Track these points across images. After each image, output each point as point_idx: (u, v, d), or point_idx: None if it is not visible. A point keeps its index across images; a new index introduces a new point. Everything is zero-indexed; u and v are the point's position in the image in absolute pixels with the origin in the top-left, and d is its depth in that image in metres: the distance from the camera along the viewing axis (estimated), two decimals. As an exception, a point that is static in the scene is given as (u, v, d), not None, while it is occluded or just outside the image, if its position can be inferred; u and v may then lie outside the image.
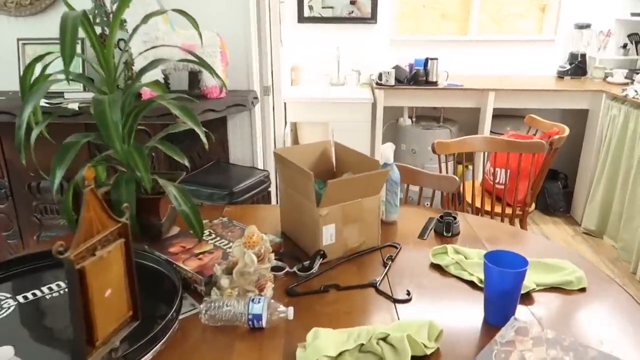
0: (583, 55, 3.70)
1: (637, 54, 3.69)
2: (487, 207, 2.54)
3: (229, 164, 2.37)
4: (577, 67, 3.72)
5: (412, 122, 3.69)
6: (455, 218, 1.58)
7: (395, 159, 3.88)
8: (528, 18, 3.88)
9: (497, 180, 2.64)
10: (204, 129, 1.25)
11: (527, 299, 1.23)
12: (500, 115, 3.71)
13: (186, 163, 1.42)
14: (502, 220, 2.46)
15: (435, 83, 3.40)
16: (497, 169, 2.63)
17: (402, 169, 1.89)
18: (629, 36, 3.72)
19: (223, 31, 2.18)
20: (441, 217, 1.60)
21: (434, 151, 2.30)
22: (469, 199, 2.53)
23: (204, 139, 1.26)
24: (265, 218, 1.69)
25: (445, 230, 1.57)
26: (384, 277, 1.31)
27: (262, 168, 2.54)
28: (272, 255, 1.20)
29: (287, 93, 3.48)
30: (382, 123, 3.50)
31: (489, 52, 3.87)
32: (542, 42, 3.85)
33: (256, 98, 2.39)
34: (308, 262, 1.33)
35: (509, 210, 2.48)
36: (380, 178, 1.41)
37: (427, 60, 3.42)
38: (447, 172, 2.49)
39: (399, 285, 1.28)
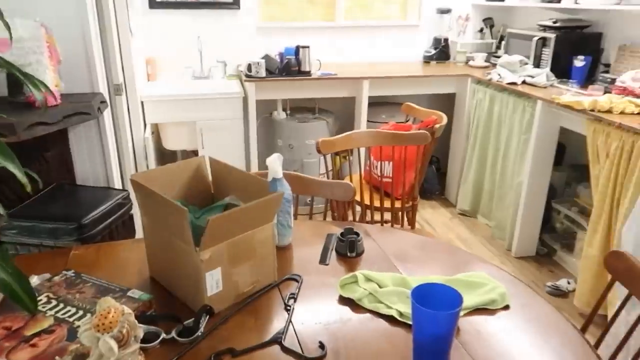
0: (446, 40, 3.78)
1: (492, 38, 3.87)
2: (377, 203, 2.42)
3: (76, 187, 1.91)
4: (442, 51, 3.79)
5: (287, 115, 3.47)
6: (358, 234, 1.39)
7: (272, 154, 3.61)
8: (393, 3, 3.86)
9: (382, 173, 2.53)
10: (25, 170, 0.87)
11: (454, 330, 1.08)
12: (374, 103, 3.66)
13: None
14: (391, 216, 2.36)
15: (308, 73, 3.21)
16: (382, 162, 2.53)
17: (291, 179, 1.65)
18: (484, 20, 3.89)
19: (50, 21, 1.71)
20: (342, 234, 1.39)
21: (319, 151, 2.10)
22: (356, 196, 2.39)
23: (23, 180, 0.88)
24: (128, 260, 1.33)
25: (349, 250, 1.37)
26: (288, 326, 1.06)
27: (120, 188, 2.11)
28: (141, 330, 0.88)
29: (144, 91, 3.03)
30: (256, 118, 3.22)
31: (357, 38, 3.78)
32: (407, 27, 3.86)
33: (104, 102, 1.95)
34: (191, 321, 1.02)
35: (397, 205, 2.39)
36: (274, 203, 1.14)
37: (298, 48, 3.20)
38: (330, 167, 2.32)
39: (308, 335, 1.04)
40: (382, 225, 2.36)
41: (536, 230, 2.98)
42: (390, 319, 1.10)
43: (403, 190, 2.37)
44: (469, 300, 1.15)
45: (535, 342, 1.06)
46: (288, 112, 3.51)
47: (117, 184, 2.07)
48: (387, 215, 2.47)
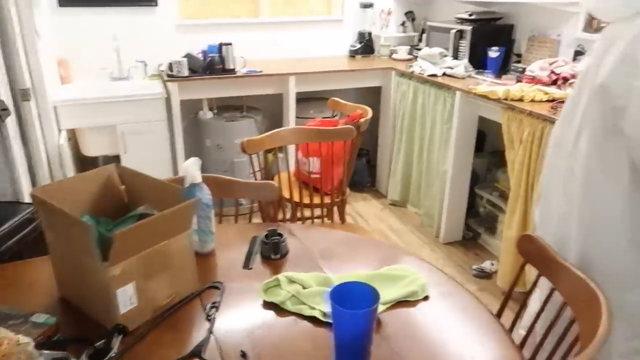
0: (370, 34, 3.84)
1: (414, 31, 3.97)
2: (306, 200, 2.42)
3: (-22, 203, 1.77)
4: (366, 45, 3.84)
5: (214, 114, 3.38)
6: (281, 236, 1.37)
7: (200, 156, 3.50)
8: (316, -2, 3.86)
9: (310, 170, 2.54)
10: None
11: (376, 324, 1.09)
12: (302, 99, 3.65)
13: None
14: (322, 212, 2.37)
15: (233, 71, 3.14)
16: (310, 159, 2.53)
17: (213, 182, 1.60)
18: (406, 14, 3.98)
19: None
20: (266, 236, 1.37)
21: (243, 151, 2.06)
22: (286, 193, 2.37)
23: None
24: (36, 280, 1.25)
25: (273, 252, 1.35)
26: (209, 337, 1.03)
27: (30, 202, 1.97)
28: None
29: (57, 95, 2.85)
30: (181, 119, 3.12)
31: (283, 34, 3.75)
32: (332, 22, 3.87)
33: (5, 110, 1.81)
34: (102, 342, 0.97)
35: (327, 200, 2.40)
36: (188, 211, 1.11)
37: (221, 46, 3.13)
38: (260, 166, 2.29)
39: (230, 344, 1.02)
40: (312, 222, 2.37)
41: (461, 215, 3.11)
42: (314, 320, 1.10)
43: (332, 185, 2.39)
44: (391, 293, 1.17)
45: (455, 330, 1.10)
46: (215, 111, 3.43)
47: (27, 198, 1.93)
48: (319, 211, 2.48)
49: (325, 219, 2.49)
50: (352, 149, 2.53)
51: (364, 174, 3.88)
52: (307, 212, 2.44)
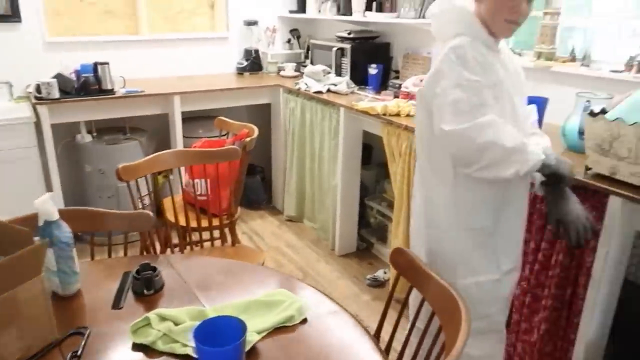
0: (256, 51, 3.84)
1: (300, 48, 4.04)
2: (194, 224, 2.34)
3: None
4: (254, 62, 3.84)
5: (94, 137, 3.17)
6: (155, 269, 1.30)
7: (81, 183, 3.30)
8: (200, 15, 3.79)
9: (198, 192, 2.46)
10: None
11: (252, 355, 1.07)
12: (190, 118, 3.55)
13: None
14: (210, 236, 2.30)
15: (111, 91, 2.97)
16: (197, 181, 2.46)
17: (79, 216, 1.49)
18: (291, 31, 4.04)
19: None
20: (137, 271, 1.29)
21: (120, 179, 1.94)
22: (171, 217, 2.28)
23: None
24: None
25: (145, 288, 1.28)
26: (66, 393, 0.94)
27: None
28: None
29: None
30: (54, 145, 2.88)
31: (165, 52, 3.63)
32: (217, 39, 3.82)
33: None
34: None
35: (216, 223, 2.34)
36: (36, 255, 1.01)
37: (96, 65, 2.94)
38: (149, 188, 2.17)
39: (90, 400, 0.94)
40: (202, 246, 2.29)
41: (354, 227, 3.19)
42: (187, 358, 1.05)
43: (220, 207, 2.33)
44: (267, 321, 1.15)
45: (332, 352, 1.11)
46: (94, 134, 3.22)
47: None
48: (210, 234, 2.41)
49: (218, 242, 2.43)
50: (239, 169, 2.50)
51: (259, 191, 3.85)
52: (204, 235, 2.36)
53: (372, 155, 3.50)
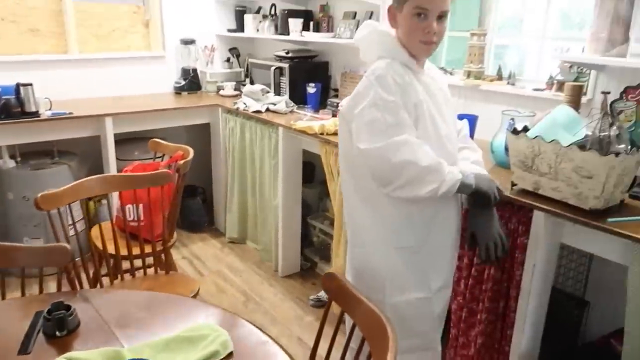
0: (194, 70, 3.77)
1: (240, 67, 4.00)
2: (125, 251, 2.22)
3: None
4: (192, 82, 3.76)
5: (17, 163, 2.98)
6: (69, 308, 1.21)
7: (2, 211, 3.08)
8: (134, 34, 3.68)
9: (130, 218, 2.35)
10: None
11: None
12: (125, 140, 3.42)
13: None
14: (143, 264, 2.20)
15: (36, 114, 2.81)
16: (128, 206, 2.35)
17: (-15, 253, 1.37)
18: (230, 50, 4.00)
19: None
20: (49, 311, 1.20)
21: (39, 208, 1.82)
22: (109, 246, 2.16)
23: None
24: None
25: (58, 329, 1.19)
26: None
27: None
28: None
29: None
30: (-28, 171, 2.69)
31: (98, 72, 3.49)
32: (152, 58, 3.72)
33: None
34: None
35: (149, 249, 2.24)
36: None
37: (18, 86, 2.78)
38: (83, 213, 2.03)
39: None
40: (133, 276, 2.18)
41: (297, 247, 3.15)
42: (98, 405, 0.97)
43: (152, 234, 2.23)
44: (190, 358, 1.09)
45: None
46: (18, 159, 3.03)
47: None
48: (150, 260, 2.30)
49: (153, 270, 2.33)
50: (174, 193, 2.42)
51: (200, 213, 3.75)
52: (137, 264, 2.24)
53: (314, 173, 3.49)
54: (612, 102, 1.90)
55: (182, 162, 2.37)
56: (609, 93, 1.59)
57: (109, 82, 3.54)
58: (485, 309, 1.86)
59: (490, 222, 1.46)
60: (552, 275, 1.79)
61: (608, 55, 1.73)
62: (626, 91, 1.87)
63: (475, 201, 1.46)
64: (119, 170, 3.04)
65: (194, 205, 3.72)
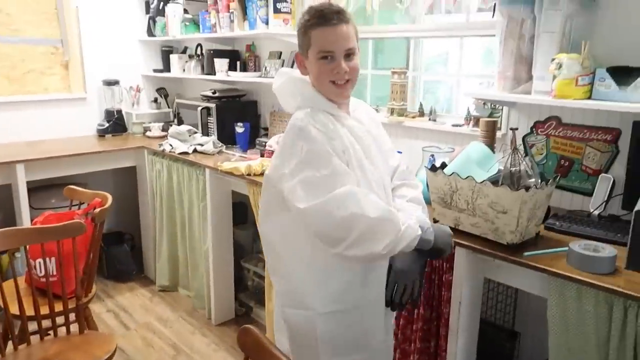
0: (119, 112, 3.63)
1: (168, 107, 3.90)
2: (42, 310, 2.03)
3: None
4: (116, 124, 3.61)
5: None
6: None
7: None
8: (52, 75, 3.51)
9: (41, 274, 2.16)
10: None
11: None
12: (41, 187, 3.20)
13: None
14: (53, 324, 2.01)
15: None
16: (37, 261, 2.17)
17: None
18: (157, 90, 3.89)
19: None
20: None
21: None
22: (12, 308, 1.96)
23: None
24: None
25: None
26: None
27: None
28: None
29: None
30: None
31: (11, 116, 3.28)
32: (73, 100, 3.55)
33: None
34: None
35: (61, 308, 2.05)
36: None
37: None
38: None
39: None
40: (42, 338, 1.98)
41: (230, 293, 3.02)
42: None
43: (64, 290, 2.05)
44: None
45: None
46: None
47: None
48: (60, 319, 2.11)
49: (67, 329, 2.13)
50: (90, 244, 2.26)
51: (127, 261, 3.54)
52: (47, 324, 2.04)
53: (247, 213, 3.40)
54: (524, 137, 1.98)
55: (98, 210, 2.22)
56: (516, 129, 1.64)
57: (24, 126, 3.34)
58: (417, 350, 1.83)
59: (418, 262, 1.36)
60: (478, 310, 1.78)
61: (515, 92, 1.80)
62: (535, 125, 1.96)
63: (429, 255, 1.37)
64: (32, 221, 2.83)
65: (121, 253, 3.51)
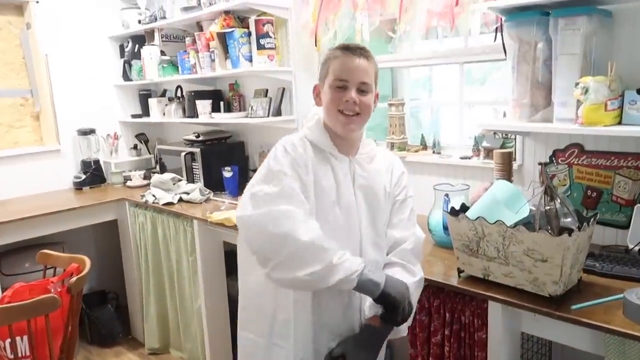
0: (97, 162, 3.40)
1: (149, 153, 3.69)
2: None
3: None
4: (94, 175, 3.38)
5: None
6: None
7: None
8: (22, 127, 3.29)
9: (12, 355, 1.91)
10: None
11: None
12: (13, 250, 2.94)
13: None
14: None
15: None
16: (7, 341, 1.91)
17: None
18: (137, 136, 3.69)
19: None
20: None
21: None
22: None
23: None
24: None
25: None
26: None
27: None
28: None
29: None
30: None
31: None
32: (46, 153, 3.32)
33: None
34: None
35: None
36: None
37: None
38: None
39: None
40: None
41: (228, 351, 2.76)
42: None
43: (39, 375, 1.80)
44: None
45: None
46: None
47: None
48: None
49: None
50: (68, 317, 2.01)
51: (112, 323, 3.25)
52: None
53: (240, 263, 3.15)
54: (544, 166, 1.81)
55: (74, 279, 1.98)
56: (546, 164, 1.47)
57: (-8, 184, 3.09)
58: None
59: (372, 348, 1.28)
60: (516, 368, 1.57)
61: (533, 121, 1.64)
62: (556, 154, 1.79)
63: (384, 312, 1.26)
64: (4, 288, 2.56)
65: (105, 315, 3.23)
